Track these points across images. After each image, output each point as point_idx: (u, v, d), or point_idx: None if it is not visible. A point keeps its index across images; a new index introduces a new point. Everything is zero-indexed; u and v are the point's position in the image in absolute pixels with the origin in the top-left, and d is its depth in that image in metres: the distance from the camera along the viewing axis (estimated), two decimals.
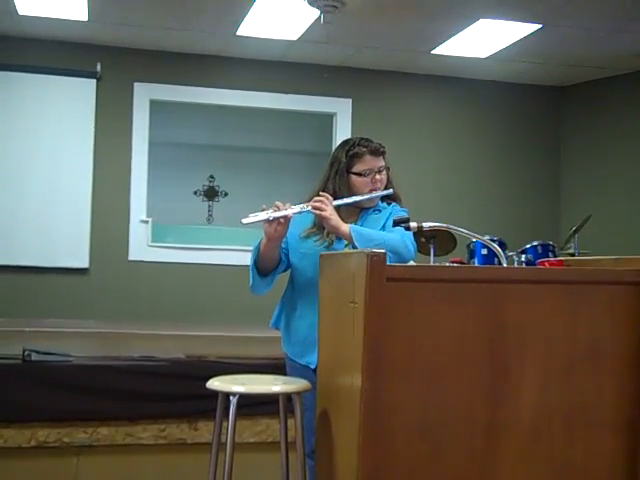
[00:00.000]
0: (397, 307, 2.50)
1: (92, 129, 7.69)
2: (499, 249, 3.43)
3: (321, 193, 3.17)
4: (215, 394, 3.01)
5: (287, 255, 3.28)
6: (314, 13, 6.38)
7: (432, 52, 7.66)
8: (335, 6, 6.13)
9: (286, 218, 3.08)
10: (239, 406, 2.90)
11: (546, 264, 3.60)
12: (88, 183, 7.66)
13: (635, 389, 2.71)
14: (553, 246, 6.20)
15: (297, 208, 3.11)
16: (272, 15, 6.68)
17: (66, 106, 7.67)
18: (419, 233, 3.14)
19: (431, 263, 5.95)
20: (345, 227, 3.07)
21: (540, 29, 6.86)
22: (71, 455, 4.21)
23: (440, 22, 6.83)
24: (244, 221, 3.06)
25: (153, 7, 6.67)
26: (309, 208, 3.12)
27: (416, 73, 8.44)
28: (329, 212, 3.08)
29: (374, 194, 3.26)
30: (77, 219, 7.60)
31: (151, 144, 7.99)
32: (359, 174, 3.25)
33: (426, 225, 3.07)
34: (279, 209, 3.08)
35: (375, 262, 2.46)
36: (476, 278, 2.67)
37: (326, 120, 8.53)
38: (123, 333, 5.94)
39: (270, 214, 3.06)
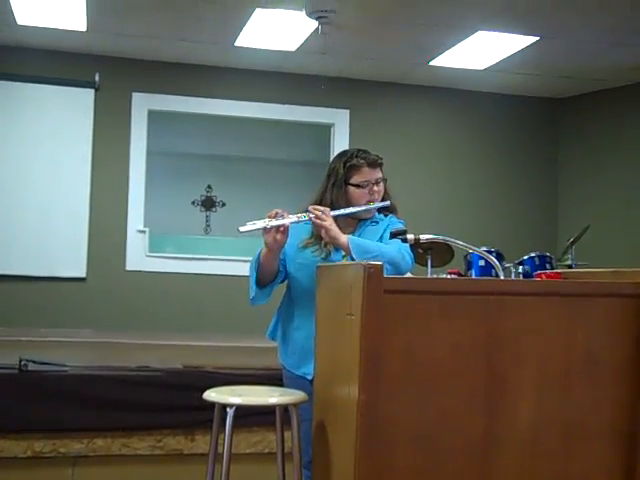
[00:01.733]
0: (394, 319, 2.50)
1: (90, 139, 7.70)
2: (496, 261, 3.43)
3: (316, 206, 3.17)
4: (212, 405, 3.00)
5: (285, 266, 3.28)
6: (312, 24, 6.40)
7: (430, 63, 7.68)
8: (332, 18, 6.15)
9: (285, 227, 3.08)
10: (236, 417, 2.89)
11: (543, 276, 3.62)
12: (86, 192, 7.67)
13: (632, 401, 2.71)
14: (551, 257, 6.19)
15: (295, 217, 3.11)
16: (270, 26, 6.69)
17: (64, 116, 7.69)
18: (416, 245, 3.14)
19: (428, 275, 5.94)
20: (344, 238, 3.07)
21: (538, 41, 6.89)
22: (67, 465, 4.20)
23: (438, 34, 6.85)
24: (241, 229, 3.04)
25: (152, 18, 6.68)
26: (308, 218, 3.11)
27: (414, 84, 8.46)
28: (329, 222, 3.08)
29: (371, 205, 3.27)
30: (75, 228, 7.60)
31: (149, 154, 8.00)
32: (357, 185, 3.25)
33: (423, 237, 3.07)
34: (277, 216, 3.08)
35: (372, 274, 2.46)
36: (473, 290, 2.68)
37: (323, 130, 8.54)
38: (120, 343, 5.93)
39: (268, 222, 3.05)
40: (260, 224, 3.05)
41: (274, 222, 3.06)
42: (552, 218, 8.81)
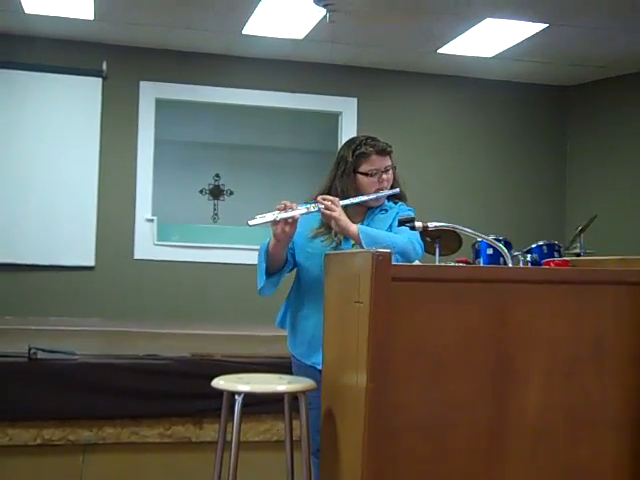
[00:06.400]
0: (402, 307, 2.50)
1: (98, 128, 7.70)
2: (504, 249, 3.42)
3: (325, 196, 3.15)
4: (220, 393, 3.01)
5: (293, 255, 3.26)
6: (320, 12, 6.38)
7: (438, 51, 7.66)
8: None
9: (294, 219, 3.04)
10: (244, 405, 2.90)
11: (552, 264, 3.61)
12: (94, 181, 7.68)
13: (639, 389, 2.71)
14: (559, 246, 6.17)
15: (304, 209, 3.07)
16: (278, 14, 6.68)
17: (72, 105, 7.69)
18: (424, 233, 3.13)
19: (436, 263, 5.94)
20: (354, 228, 3.05)
21: (546, 29, 6.86)
22: (76, 453, 4.22)
23: (446, 21, 6.83)
24: (250, 223, 2.99)
25: (159, 6, 6.68)
26: (318, 209, 3.10)
27: (422, 72, 8.44)
28: (338, 213, 3.06)
29: (381, 193, 3.23)
30: (83, 217, 7.62)
31: (157, 143, 8.00)
32: (366, 174, 3.22)
33: (431, 225, 3.06)
34: (285, 208, 3.05)
35: (380, 262, 2.46)
36: (481, 278, 2.67)
37: (331, 119, 8.53)
38: (128, 331, 5.96)
39: (277, 215, 3.01)
40: (269, 217, 3.01)
41: (283, 214, 3.02)
42: (560, 207, 8.79)
